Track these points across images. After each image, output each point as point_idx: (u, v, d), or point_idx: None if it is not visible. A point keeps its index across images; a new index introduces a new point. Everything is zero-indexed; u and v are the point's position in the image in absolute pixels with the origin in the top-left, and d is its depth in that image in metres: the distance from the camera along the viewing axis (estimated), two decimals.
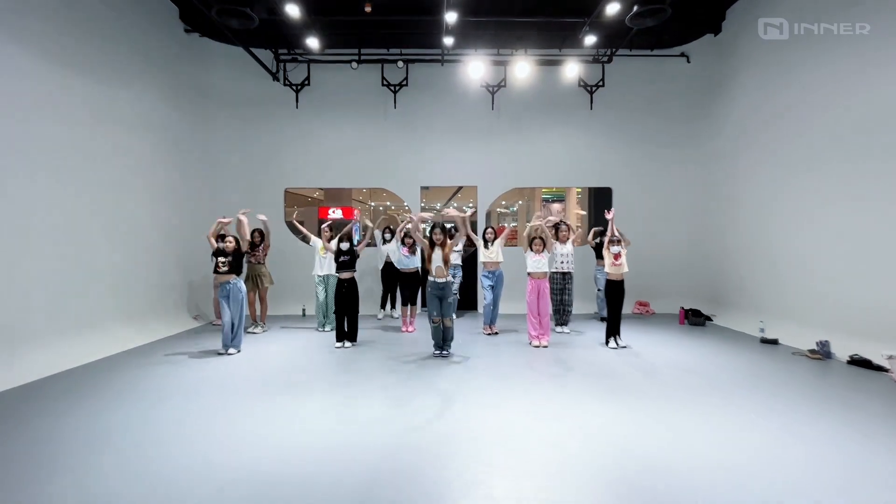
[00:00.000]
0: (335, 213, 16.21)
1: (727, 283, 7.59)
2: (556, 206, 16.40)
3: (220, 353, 5.45)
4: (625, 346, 5.72)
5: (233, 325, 5.46)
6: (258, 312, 6.92)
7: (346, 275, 5.79)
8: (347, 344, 5.82)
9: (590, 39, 7.05)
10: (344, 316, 5.84)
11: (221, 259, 5.42)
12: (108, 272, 5.91)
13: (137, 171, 6.54)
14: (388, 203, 22.16)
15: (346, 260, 5.79)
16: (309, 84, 8.45)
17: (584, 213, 10.24)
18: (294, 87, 8.42)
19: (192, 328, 7.11)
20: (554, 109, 8.61)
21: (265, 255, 6.87)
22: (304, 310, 8.23)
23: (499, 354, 5.45)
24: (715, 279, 7.94)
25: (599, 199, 9.81)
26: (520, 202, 19.67)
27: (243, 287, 5.55)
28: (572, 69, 8.07)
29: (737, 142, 7.41)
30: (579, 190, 13.39)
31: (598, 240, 7.02)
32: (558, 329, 6.67)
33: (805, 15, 6.02)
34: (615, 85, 8.54)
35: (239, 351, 5.54)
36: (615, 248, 5.66)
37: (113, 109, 6.11)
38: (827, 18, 5.70)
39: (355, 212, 17.03)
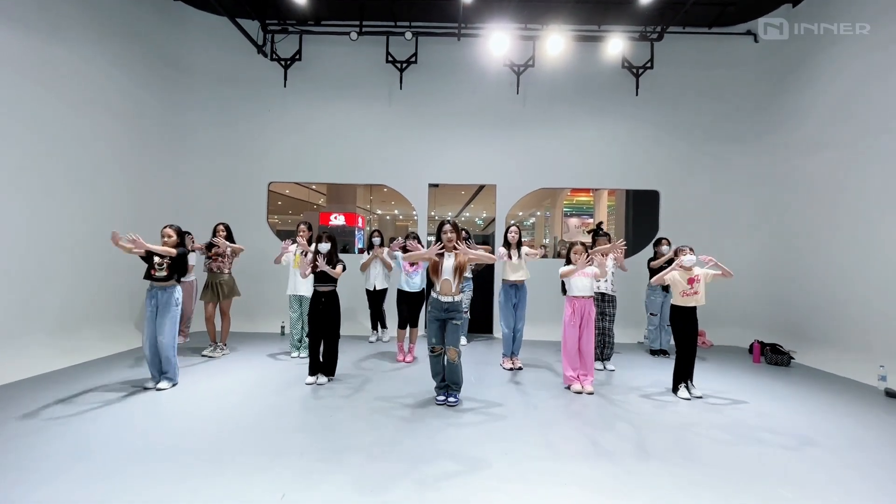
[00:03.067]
0: (337, 220, 14.90)
1: (812, 310, 5.95)
2: (573, 221, 14.89)
3: (146, 388, 4.01)
4: (699, 396, 4.15)
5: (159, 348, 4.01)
6: (218, 330, 5.47)
7: (324, 287, 4.36)
8: (322, 379, 4.34)
9: None
10: (320, 341, 4.38)
11: (158, 260, 4.02)
12: (23, 275, 4.55)
13: (81, 153, 5.24)
14: (396, 212, 20.84)
15: (325, 269, 4.36)
16: (300, 59, 7.16)
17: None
18: (283, 63, 7.13)
19: (139, 346, 5.69)
20: (591, 94, 7.18)
21: (231, 262, 5.45)
22: (282, 327, 6.79)
23: (527, 405, 3.91)
24: (794, 305, 6.29)
25: (642, 205, 8.29)
26: (537, 213, 18.12)
27: (179, 295, 4.12)
28: (615, 45, 6.67)
29: (823, 135, 5.88)
30: (612, 202, 11.87)
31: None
32: (597, 366, 5.10)
33: None
34: (666, 67, 7.10)
35: (174, 384, 4.10)
36: (689, 260, 4.12)
37: (53, 72, 4.88)
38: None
39: (360, 220, 15.70)
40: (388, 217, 21.63)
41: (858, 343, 5.21)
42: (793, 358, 5.70)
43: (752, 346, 5.97)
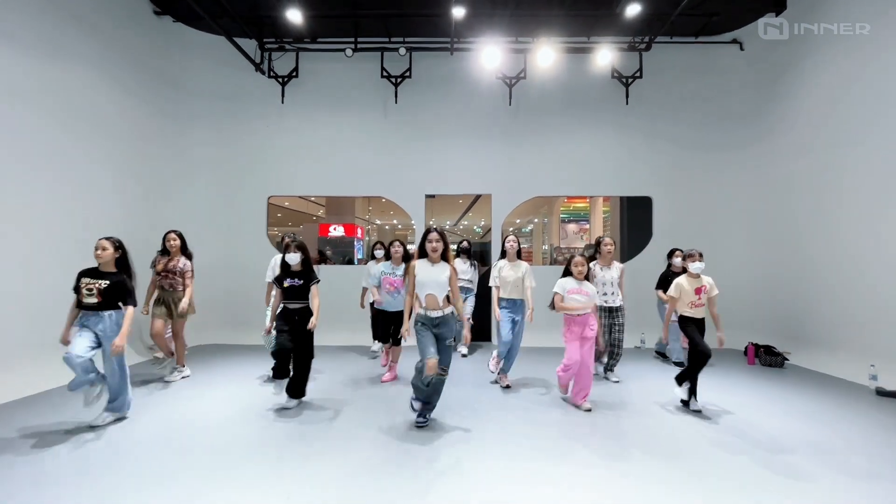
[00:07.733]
0: (336, 231, 15.00)
1: (805, 311, 6.05)
2: (571, 227, 15.01)
3: (92, 427, 3.42)
4: (698, 410, 3.98)
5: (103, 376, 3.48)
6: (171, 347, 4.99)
7: (295, 304, 3.93)
8: (291, 402, 3.95)
9: (633, 8, 5.78)
10: (286, 356, 3.84)
11: (87, 282, 3.41)
12: (16, 294, 4.64)
13: (81, 171, 5.33)
14: (395, 221, 20.98)
15: (294, 284, 3.88)
16: (297, 76, 7.32)
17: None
18: (280, 80, 7.29)
19: (135, 363, 5.75)
20: (582, 104, 7.33)
21: (185, 282, 4.82)
22: None
23: (523, 418, 3.96)
24: (787, 307, 6.39)
25: (636, 212, 8.40)
26: (535, 220, 18.28)
27: (121, 320, 3.48)
28: (604, 56, 6.83)
29: (811, 139, 6.01)
30: (607, 209, 12.01)
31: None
32: (602, 376, 5.06)
33: None
34: (655, 76, 7.27)
35: (121, 418, 3.60)
36: (696, 266, 3.98)
37: (52, 94, 4.98)
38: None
39: (359, 230, 15.81)
40: (386, 227, 21.77)
41: (849, 343, 5.30)
42: (787, 359, 5.78)
43: (746, 347, 6.05)
